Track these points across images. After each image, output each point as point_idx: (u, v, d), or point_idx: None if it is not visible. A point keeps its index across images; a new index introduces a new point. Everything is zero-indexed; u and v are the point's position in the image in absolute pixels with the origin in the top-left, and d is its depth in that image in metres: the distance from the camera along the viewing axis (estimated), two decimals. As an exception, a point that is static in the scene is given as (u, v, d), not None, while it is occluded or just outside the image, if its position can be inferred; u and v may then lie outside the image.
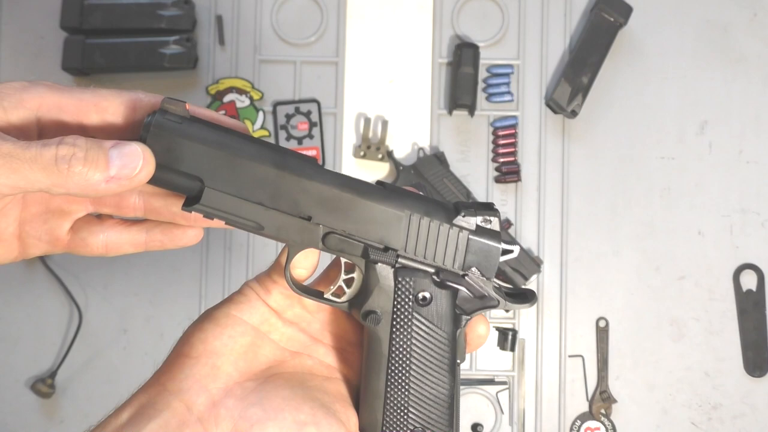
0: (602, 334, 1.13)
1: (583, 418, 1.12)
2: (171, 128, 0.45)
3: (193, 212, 0.47)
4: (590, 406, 1.12)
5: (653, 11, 1.17)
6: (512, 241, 0.50)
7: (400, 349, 0.49)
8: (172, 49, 1.12)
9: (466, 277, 0.50)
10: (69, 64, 1.12)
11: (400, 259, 0.49)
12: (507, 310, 1.14)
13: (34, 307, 1.13)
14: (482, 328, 0.51)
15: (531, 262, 1.11)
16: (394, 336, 0.49)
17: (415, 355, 0.49)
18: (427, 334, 0.49)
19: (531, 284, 1.13)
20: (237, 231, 1.14)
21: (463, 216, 0.49)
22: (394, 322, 0.49)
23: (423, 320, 0.49)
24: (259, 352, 0.49)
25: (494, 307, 0.50)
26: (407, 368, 0.49)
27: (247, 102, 1.15)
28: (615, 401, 1.12)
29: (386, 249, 0.48)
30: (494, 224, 0.50)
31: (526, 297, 0.51)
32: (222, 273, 1.14)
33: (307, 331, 0.52)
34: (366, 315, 0.49)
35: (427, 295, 0.49)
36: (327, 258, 0.53)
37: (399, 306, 0.49)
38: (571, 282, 1.14)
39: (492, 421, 1.12)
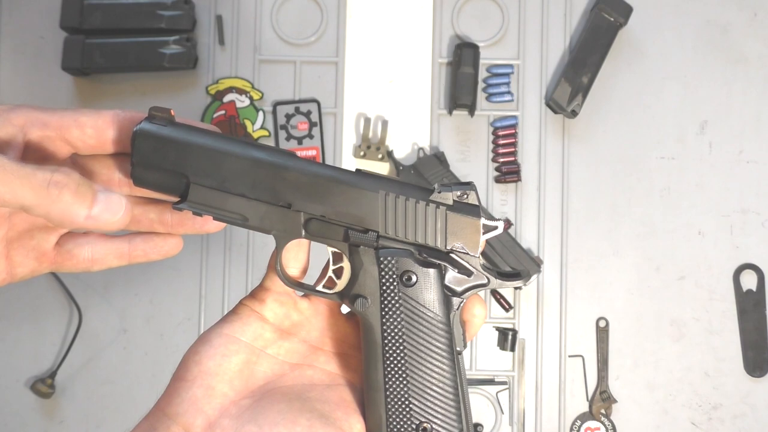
0: (602, 334, 1.13)
1: (583, 418, 1.12)
2: (156, 131, 0.49)
3: (173, 216, 0.51)
4: (590, 406, 1.12)
5: (653, 11, 1.17)
6: (496, 218, 0.50)
7: (393, 334, 0.49)
8: (172, 49, 1.12)
9: (450, 255, 0.49)
10: (69, 64, 1.12)
11: (381, 240, 0.49)
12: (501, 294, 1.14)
13: (34, 307, 1.13)
14: (478, 308, 0.50)
15: (531, 262, 1.11)
16: (384, 321, 0.49)
17: (408, 340, 0.49)
18: (418, 316, 0.49)
19: (531, 284, 1.13)
20: (237, 231, 1.14)
21: (439, 192, 0.49)
22: (383, 305, 0.49)
23: (411, 301, 0.49)
24: (255, 368, 0.50)
25: (485, 286, 0.50)
26: (402, 355, 0.49)
27: (247, 102, 1.15)
28: (615, 401, 1.12)
29: (366, 231, 0.49)
30: (471, 198, 0.50)
31: (519, 274, 0.51)
32: (222, 273, 1.14)
33: (305, 340, 0.52)
34: (354, 299, 0.49)
35: (412, 274, 0.49)
36: (320, 262, 0.53)
37: (385, 287, 0.49)
38: (571, 282, 1.14)
39: (492, 421, 1.12)
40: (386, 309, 0.49)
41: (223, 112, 1.15)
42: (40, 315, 1.13)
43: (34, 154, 0.49)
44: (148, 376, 1.13)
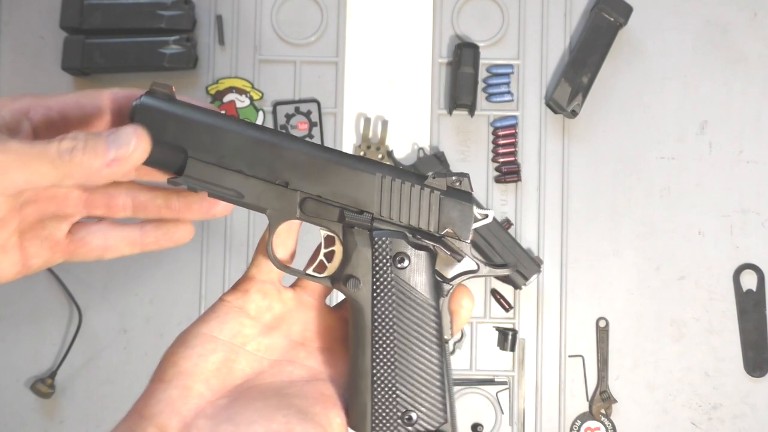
0: (602, 334, 1.13)
1: (583, 418, 1.12)
2: (155, 105, 0.49)
3: (180, 201, 0.51)
4: (590, 406, 1.12)
5: (653, 11, 1.17)
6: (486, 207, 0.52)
7: (383, 317, 0.49)
8: (172, 49, 1.13)
9: (442, 239, 0.50)
10: (69, 64, 1.12)
11: (375, 222, 0.50)
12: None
13: (34, 307, 1.13)
14: (466, 300, 0.51)
15: (531, 262, 1.11)
16: (375, 303, 0.50)
17: (398, 323, 0.50)
18: (409, 299, 0.50)
19: (531, 284, 1.13)
20: (237, 232, 1.14)
21: (434, 177, 0.51)
22: (374, 287, 0.50)
23: (402, 283, 0.50)
24: (234, 366, 0.49)
25: (474, 272, 0.51)
26: (391, 338, 0.49)
27: (247, 102, 1.15)
28: (615, 401, 1.12)
29: (361, 212, 0.50)
30: (464, 184, 0.51)
31: (506, 264, 0.52)
32: (222, 273, 1.14)
33: (287, 335, 0.52)
34: (346, 279, 0.50)
35: (405, 256, 0.50)
36: (308, 249, 0.53)
37: (377, 268, 0.50)
38: (571, 282, 1.14)
39: (492, 421, 1.12)
40: (378, 290, 0.50)
41: (223, 112, 1.15)
42: (40, 315, 1.13)
43: (41, 139, 0.49)
44: (148, 376, 1.12)
